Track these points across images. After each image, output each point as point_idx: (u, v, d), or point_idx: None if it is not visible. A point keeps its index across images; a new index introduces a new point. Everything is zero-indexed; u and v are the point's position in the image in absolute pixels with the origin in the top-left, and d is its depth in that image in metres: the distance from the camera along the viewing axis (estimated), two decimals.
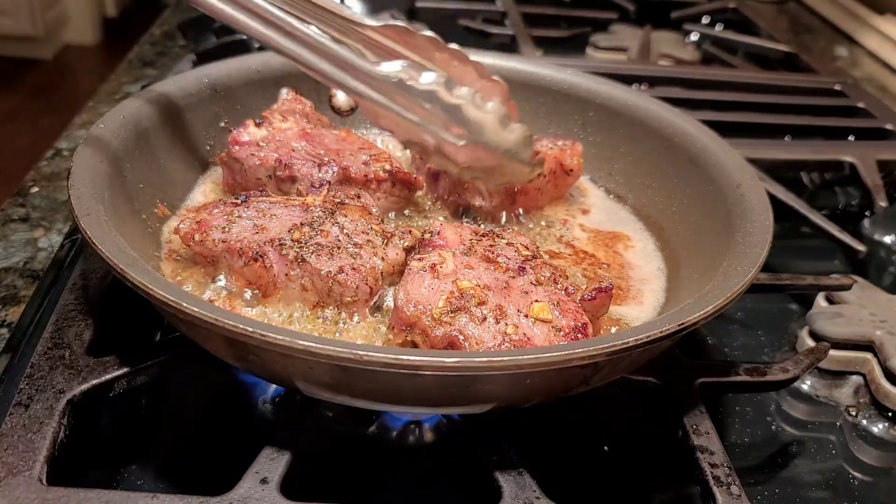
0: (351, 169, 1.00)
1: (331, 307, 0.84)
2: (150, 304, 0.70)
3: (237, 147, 1.00)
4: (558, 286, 0.83)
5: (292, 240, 0.84)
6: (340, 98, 1.22)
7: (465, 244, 0.86)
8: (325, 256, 0.83)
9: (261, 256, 0.83)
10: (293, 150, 1.01)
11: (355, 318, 0.84)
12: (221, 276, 0.87)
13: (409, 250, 0.90)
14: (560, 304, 0.80)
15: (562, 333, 0.77)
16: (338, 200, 0.92)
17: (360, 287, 0.83)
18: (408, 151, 1.13)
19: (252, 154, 1.00)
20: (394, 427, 0.86)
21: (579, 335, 0.77)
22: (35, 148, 1.33)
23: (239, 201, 0.90)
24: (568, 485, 0.77)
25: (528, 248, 0.88)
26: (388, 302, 0.86)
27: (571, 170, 1.07)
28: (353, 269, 0.83)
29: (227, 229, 0.86)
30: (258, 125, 1.03)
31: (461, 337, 0.75)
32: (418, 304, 0.77)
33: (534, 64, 1.25)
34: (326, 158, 1.00)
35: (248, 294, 0.85)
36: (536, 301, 0.79)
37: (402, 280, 0.81)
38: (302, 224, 0.87)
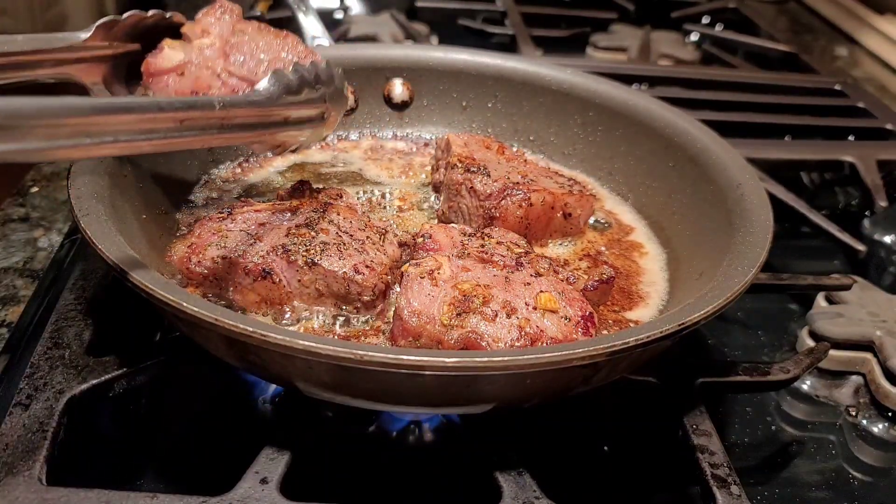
0: None
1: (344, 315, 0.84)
2: (150, 304, 0.70)
3: (151, 78, 0.89)
4: (559, 276, 0.83)
5: (296, 244, 0.84)
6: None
7: (457, 247, 0.86)
8: (335, 256, 0.83)
9: (268, 273, 0.82)
10: (213, 76, 0.90)
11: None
12: (229, 292, 0.85)
13: (402, 245, 0.91)
14: (564, 293, 0.80)
15: (571, 323, 0.77)
16: (323, 200, 0.92)
17: (376, 286, 0.83)
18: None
19: (167, 85, 0.89)
20: (394, 427, 0.86)
21: (588, 324, 0.78)
22: None
23: (224, 214, 0.90)
24: (568, 485, 0.77)
25: (518, 245, 0.89)
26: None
27: (570, 214, 1.01)
28: (368, 266, 0.83)
29: (221, 244, 0.85)
30: (174, 45, 0.91)
31: (477, 337, 0.75)
32: (422, 315, 0.77)
33: (534, 64, 1.25)
34: (251, 76, 0.89)
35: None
36: (542, 292, 0.79)
37: (401, 288, 0.81)
38: (298, 226, 0.87)
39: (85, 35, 0.87)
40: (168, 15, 0.94)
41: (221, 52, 0.91)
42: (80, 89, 0.89)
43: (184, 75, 0.89)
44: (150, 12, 0.92)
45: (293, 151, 0.91)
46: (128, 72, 0.93)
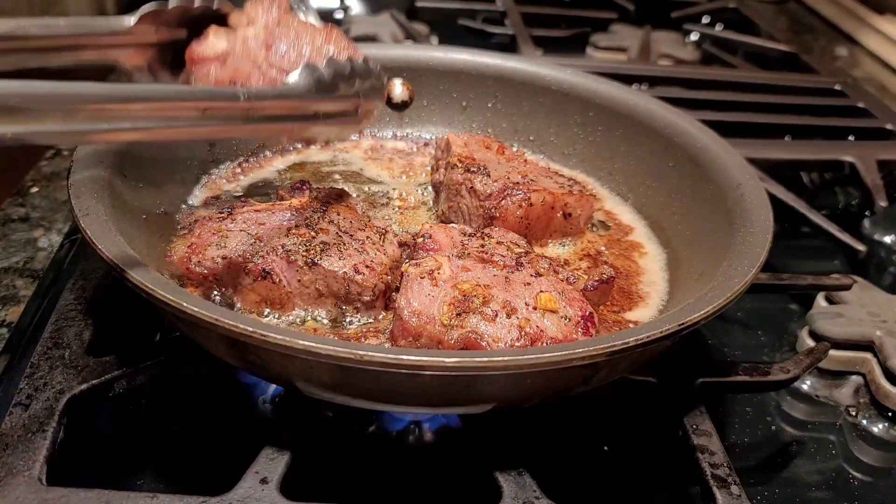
0: None
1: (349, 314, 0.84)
2: (150, 304, 0.70)
3: (194, 65, 0.88)
4: (559, 276, 0.83)
5: (296, 244, 0.84)
6: None
7: (457, 246, 0.86)
8: (335, 256, 0.83)
9: (268, 273, 0.82)
10: (253, 66, 0.88)
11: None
12: (229, 292, 0.85)
13: (402, 245, 0.91)
14: (564, 293, 0.80)
15: (571, 323, 0.77)
16: (324, 200, 0.92)
17: (376, 286, 0.83)
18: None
19: (208, 74, 0.88)
20: (394, 427, 0.86)
21: (588, 324, 0.78)
22: (35, 148, 1.33)
23: (224, 214, 0.90)
24: (568, 485, 0.77)
25: (518, 245, 0.89)
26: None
27: (570, 214, 1.01)
28: (368, 266, 0.83)
29: (221, 244, 0.85)
30: (219, 33, 0.89)
31: (477, 337, 0.75)
32: (422, 315, 0.77)
33: (534, 64, 1.25)
34: (291, 68, 0.86)
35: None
36: (542, 292, 0.79)
37: (401, 288, 0.81)
38: (298, 226, 0.86)
39: (131, 21, 0.86)
40: (215, 6, 0.92)
41: (264, 43, 0.89)
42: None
43: (225, 64, 0.88)
44: (196, 3, 0.91)
45: (325, 144, 0.90)
46: (174, 58, 0.91)
